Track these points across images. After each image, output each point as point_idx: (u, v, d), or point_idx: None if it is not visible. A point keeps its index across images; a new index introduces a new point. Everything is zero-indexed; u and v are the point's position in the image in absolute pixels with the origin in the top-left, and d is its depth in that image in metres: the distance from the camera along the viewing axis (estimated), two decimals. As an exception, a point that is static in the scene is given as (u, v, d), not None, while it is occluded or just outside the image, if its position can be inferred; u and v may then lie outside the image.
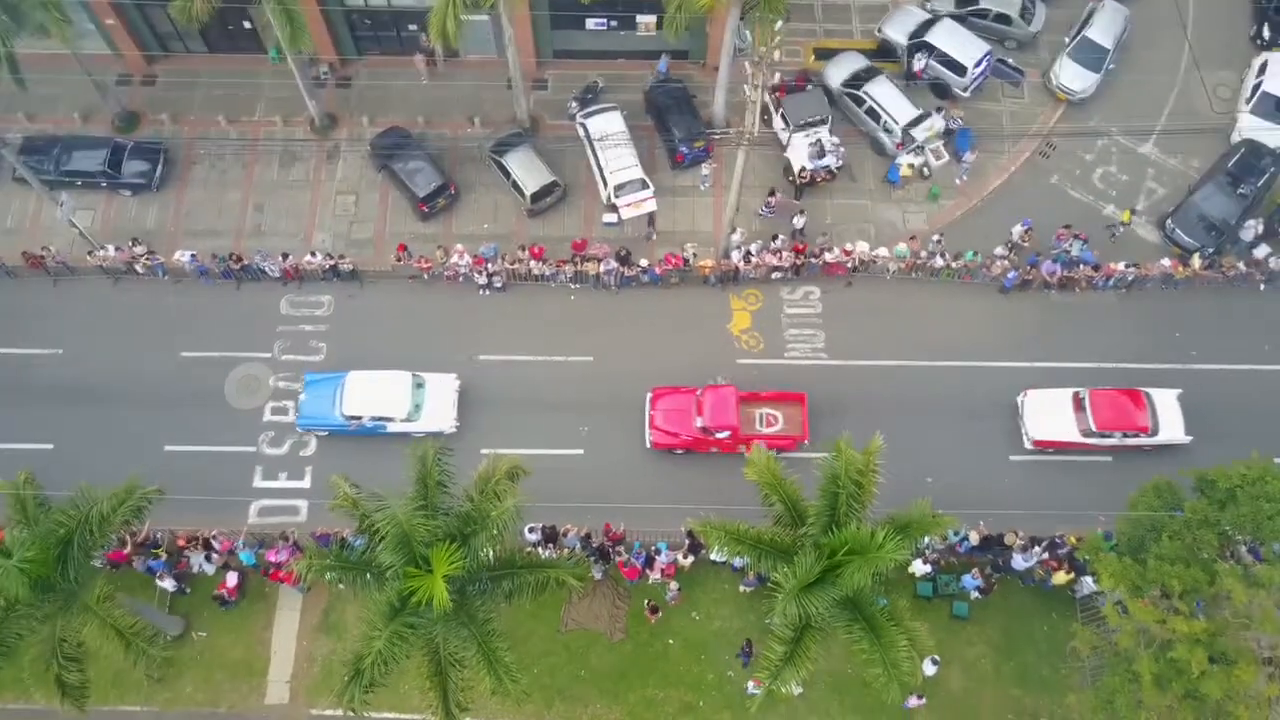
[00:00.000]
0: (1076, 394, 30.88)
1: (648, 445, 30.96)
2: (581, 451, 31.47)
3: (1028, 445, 30.96)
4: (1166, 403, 30.78)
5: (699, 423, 30.30)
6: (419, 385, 31.08)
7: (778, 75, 26.40)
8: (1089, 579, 28.03)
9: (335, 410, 30.62)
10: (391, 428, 30.79)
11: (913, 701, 27.44)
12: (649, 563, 29.12)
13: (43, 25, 30.95)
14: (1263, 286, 33.32)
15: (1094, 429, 30.15)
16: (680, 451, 31.12)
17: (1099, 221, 34.48)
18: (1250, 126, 34.83)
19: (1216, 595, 22.29)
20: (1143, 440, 30.24)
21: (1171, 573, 22.05)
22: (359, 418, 30.61)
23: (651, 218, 34.12)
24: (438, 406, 30.96)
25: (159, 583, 29.01)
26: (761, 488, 23.07)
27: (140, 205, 35.28)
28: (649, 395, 31.30)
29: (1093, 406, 30.36)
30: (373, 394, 30.66)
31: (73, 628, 23.02)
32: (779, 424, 30.88)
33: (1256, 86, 35.41)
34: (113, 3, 34.52)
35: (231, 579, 29.11)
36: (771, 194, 34.05)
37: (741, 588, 29.56)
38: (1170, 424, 30.39)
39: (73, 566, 22.83)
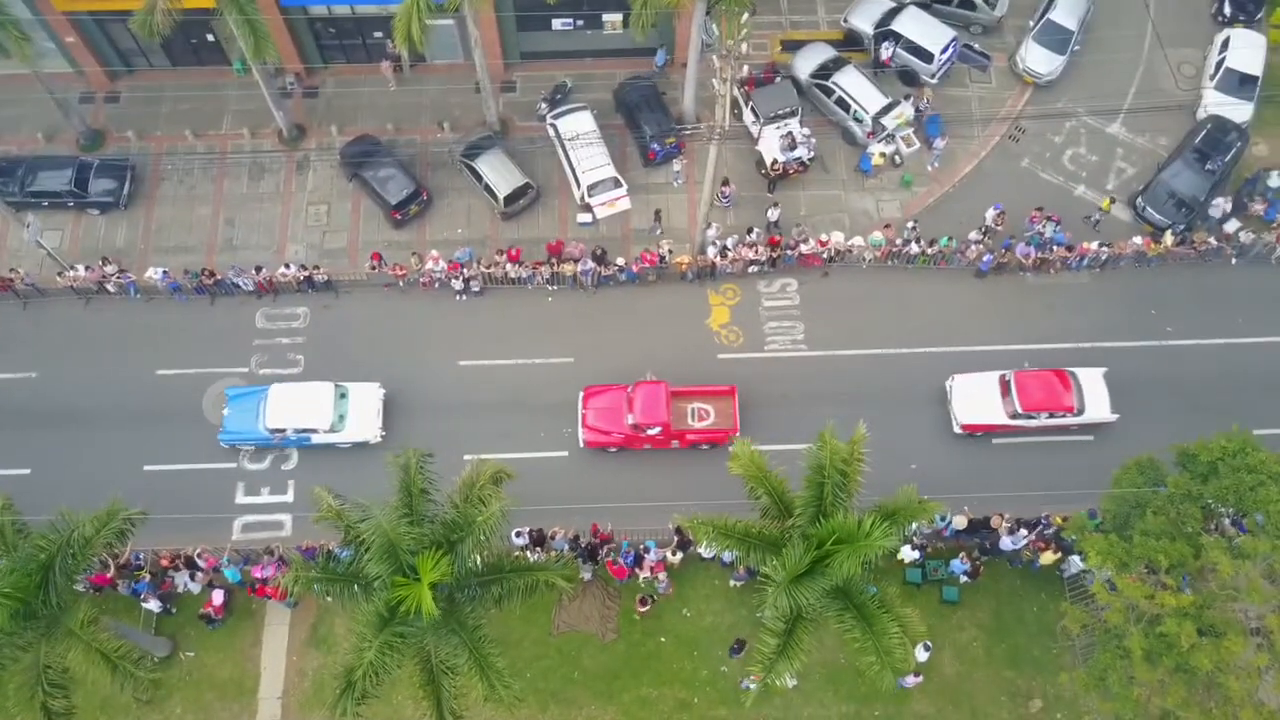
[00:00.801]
0: (1003, 377, 30.94)
1: (580, 445, 30.89)
2: (566, 453, 31.37)
3: (956, 430, 31.05)
4: (1093, 381, 30.90)
5: (630, 420, 30.23)
6: (342, 395, 30.87)
7: (746, 69, 26.29)
8: (1076, 558, 28.20)
9: (259, 424, 30.38)
10: (316, 439, 30.61)
11: (910, 680, 27.47)
12: (638, 561, 29.05)
13: (1, 45, 30.55)
14: (1234, 260, 33.59)
15: (1020, 411, 30.24)
16: (613, 450, 31.13)
17: (1071, 203, 34.69)
18: (1215, 102, 35.13)
19: (1203, 568, 22.42)
20: (1069, 420, 30.31)
21: (1157, 548, 22.17)
22: (283, 430, 30.38)
23: (657, 214, 34.12)
24: (362, 416, 30.72)
25: (144, 604, 28.68)
26: (747, 481, 23.07)
27: (109, 224, 34.91)
28: (581, 395, 31.20)
29: (1018, 388, 30.42)
30: (296, 406, 30.43)
31: (57, 654, 22.66)
32: (711, 418, 30.83)
33: (1220, 62, 35.70)
34: (72, 19, 34.12)
35: (217, 597, 28.81)
36: (725, 183, 34.02)
37: (732, 582, 29.55)
38: (1096, 403, 30.49)
39: (54, 592, 22.48)
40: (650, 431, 30.27)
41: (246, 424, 30.57)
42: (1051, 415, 30.31)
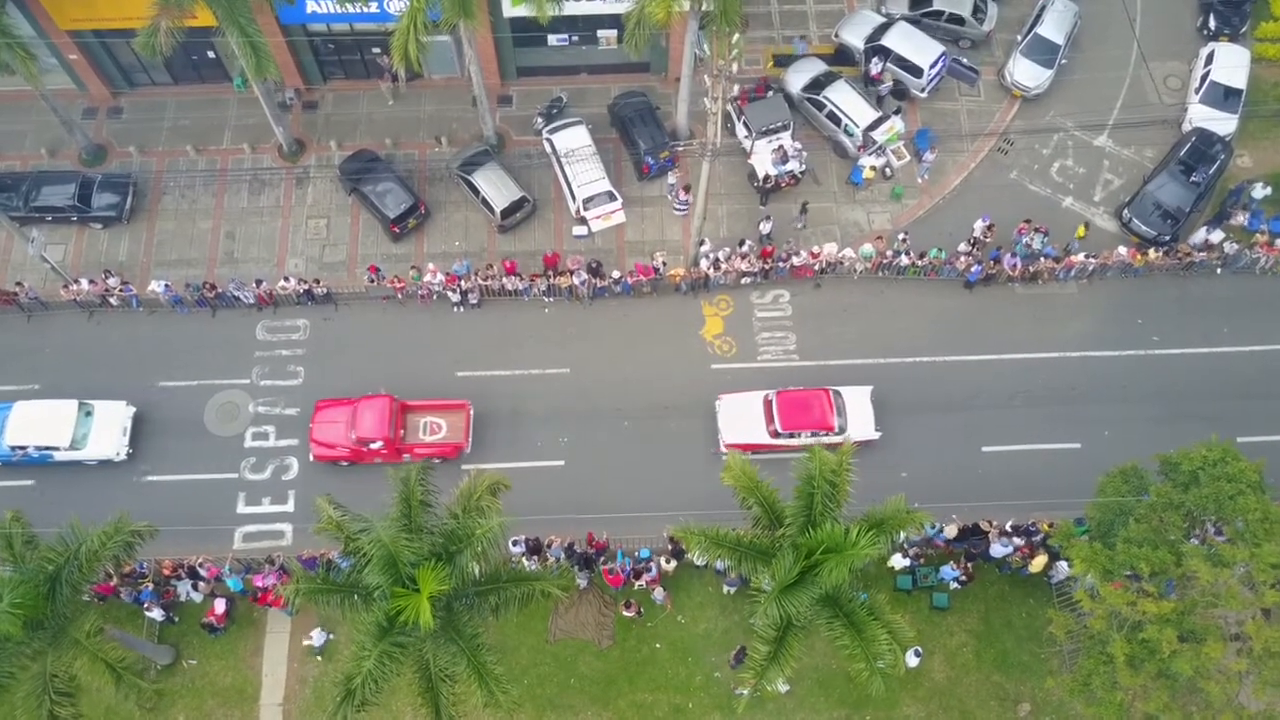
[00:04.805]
0: (766, 396, 31.30)
1: (310, 459, 31.29)
2: (562, 463, 31.86)
3: (721, 450, 31.08)
4: (857, 400, 31.31)
5: (353, 434, 30.56)
6: (87, 414, 31.23)
7: (736, 87, 26.85)
8: (1064, 564, 28.64)
9: (1, 441, 30.77)
10: (58, 456, 30.95)
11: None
12: (636, 576, 29.50)
13: (5, 63, 31.07)
14: (1219, 270, 34.13)
15: (781, 430, 30.64)
16: (345, 464, 31.34)
17: (1059, 214, 35.26)
18: (1200, 116, 35.72)
19: (1185, 575, 22.92)
20: (832, 439, 30.03)
21: (1139, 555, 22.67)
22: (24, 447, 30.73)
23: (804, 206, 34.37)
24: (106, 434, 31.03)
25: (147, 613, 29.13)
26: (739, 492, 23.55)
27: (111, 238, 35.40)
28: (313, 408, 31.62)
29: (778, 408, 30.81)
30: (36, 423, 30.81)
31: (63, 662, 23.15)
32: (442, 432, 31.17)
33: (1204, 76, 36.29)
34: (75, 38, 34.65)
35: (219, 606, 29.26)
36: (686, 189, 34.55)
37: (725, 589, 30.03)
38: (860, 421, 30.85)
39: (61, 602, 23.00)
40: (373, 446, 30.53)
41: None
42: (814, 434, 30.52)
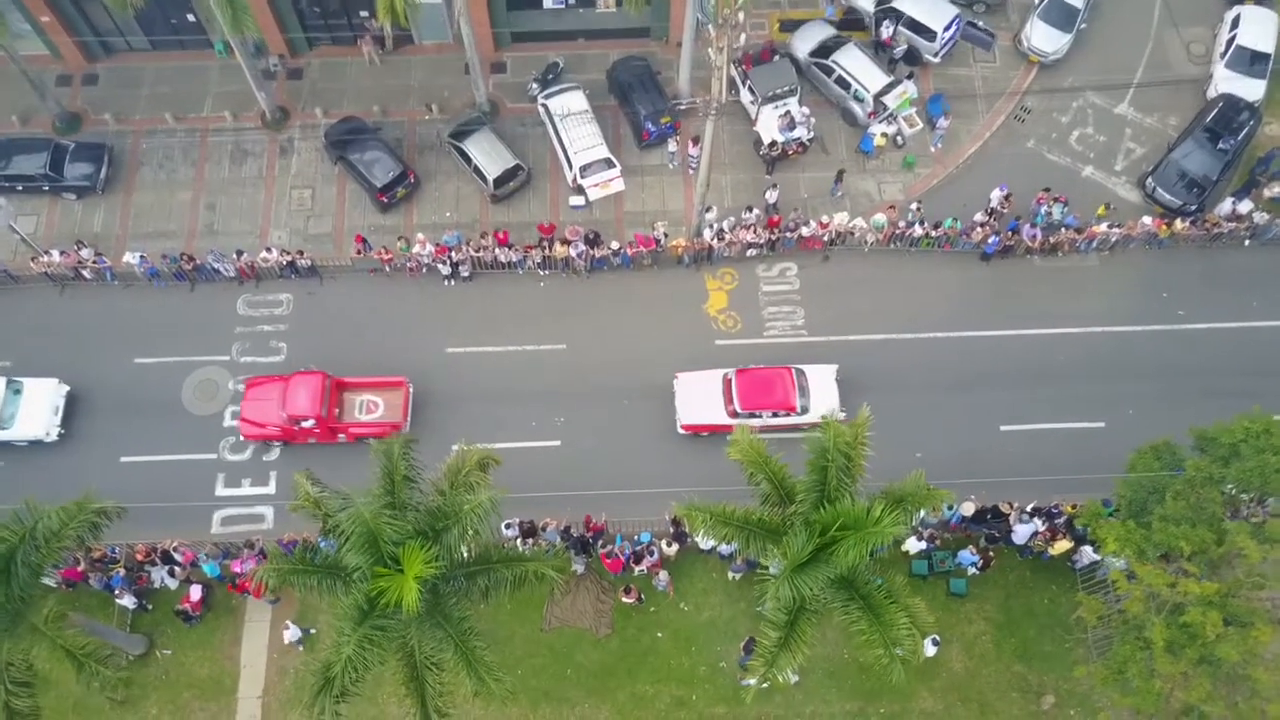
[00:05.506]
0: (725, 375, 29.84)
1: (240, 439, 29.87)
2: (559, 443, 30.29)
3: (679, 431, 29.81)
4: (821, 379, 29.84)
5: (283, 412, 29.06)
6: (16, 391, 29.80)
7: (743, 37, 25.26)
8: (1089, 548, 27.15)
9: None
10: None
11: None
12: (637, 560, 27.94)
13: (-26, 27, 29.52)
14: (1247, 242, 32.58)
15: (740, 410, 29.16)
16: (276, 443, 30.09)
17: (1079, 184, 33.69)
18: (1226, 80, 34.16)
19: (1226, 555, 21.35)
20: (794, 420, 29.01)
21: (1178, 533, 21.11)
22: None
23: (840, 174, 32.82)
24: (35, 412, 29.62)
25: (118, 600, 27.51)
26: (746, 467, 22.00)
27: (86, 209, 33.79)
28: (243, 386, 30.22)
29: (738, 388, 29.35)
30: None
31: (20, 650, 21.57)
32: (379, 410, 29.77)
33: (1230, 40, 34.72)
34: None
35: (195, 593, 27.67)
36: (695, 141, 32.54)
37: (730, 574, 28.45)
38: (822, 401, 29.25)
39: (18, 586, 21.37)
40: (304, 424, 29.10)
41: None
42: (775, 415, 29.09)
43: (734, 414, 29.24)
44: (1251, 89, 33.90)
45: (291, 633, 27.41)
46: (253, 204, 33.95)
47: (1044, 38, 35.19)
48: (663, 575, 27.98)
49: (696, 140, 31.31)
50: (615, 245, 31.81)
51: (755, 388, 29.42)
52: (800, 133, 33.41)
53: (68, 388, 30.49)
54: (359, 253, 31.81)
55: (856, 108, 34.15)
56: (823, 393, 29.64)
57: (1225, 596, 20.50)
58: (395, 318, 32.01)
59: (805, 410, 29.23)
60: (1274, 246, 32.56)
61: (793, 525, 20.93)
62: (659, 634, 28.17)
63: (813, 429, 28.91)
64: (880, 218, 32.30)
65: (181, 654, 28.01)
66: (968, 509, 27.84)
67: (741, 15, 24.99)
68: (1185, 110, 34.61)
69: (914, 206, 32.59)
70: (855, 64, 34.03)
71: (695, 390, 29.93)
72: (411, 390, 30.26)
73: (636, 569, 28.10)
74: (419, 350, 31.36)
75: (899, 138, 34.36)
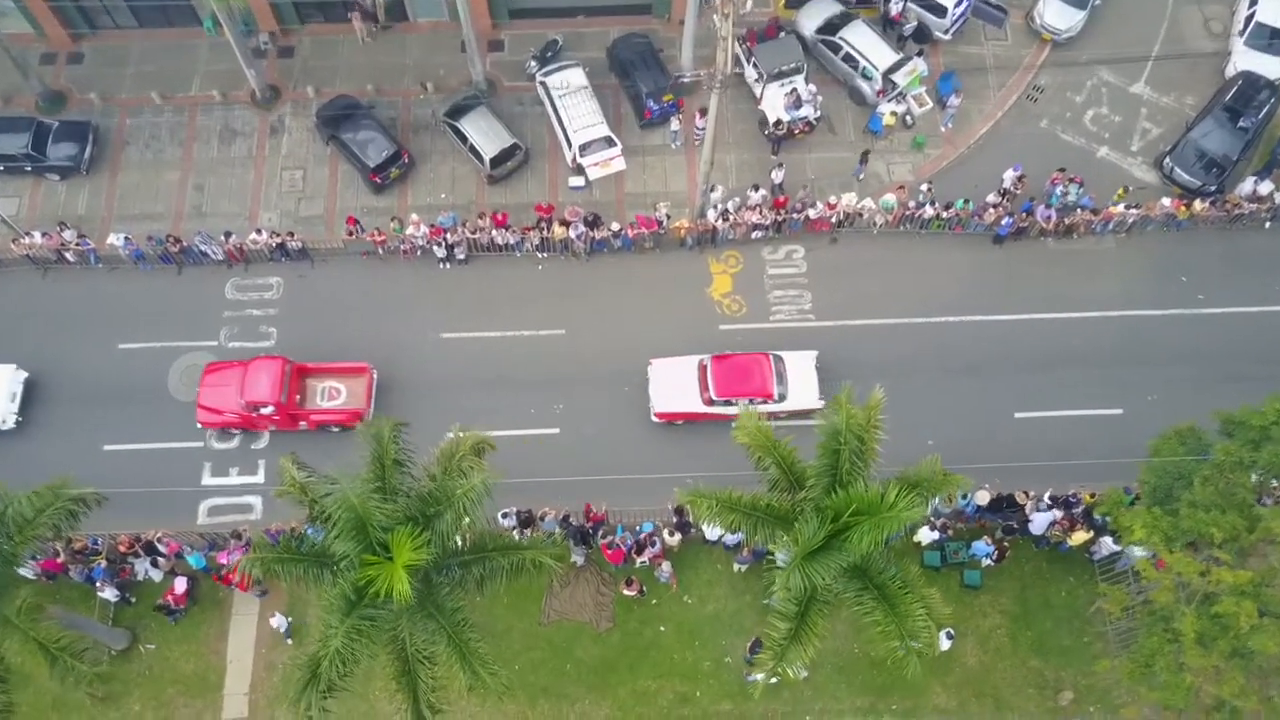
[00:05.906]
0: (701, 362, 28.86)
1: (198, 426, 28.90)
2: (558, 430, 29.29)
3: (653, 419, 28.88)
4: (800, 366, 28.84)
5: (241, 399, 28.12)
6: None
7: (749, 2, 24.24)
8: (1108, 539, 26.12)
9: None
10: None
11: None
12: (639, 550, 26.92)
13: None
14: (1268, 224, 31.54)
15: (715, 398, 28.20)
16: (235, 431, 29.30)
17: (1093, 165, 32.64)
18: (1245, 58, 33.12)
19: (1257, 543, 20.32)
20: (772, 407, 28.08)
21: (1208, 520, 20.08)
22: None
23: (865, 155, 31.65)
24: None
25: (99, 592, 26.49)
26: (753, 451, 20.98)
27: (70, 190, 32.80)
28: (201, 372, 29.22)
29: (713, 374, 28.36)
30: None
31: (-9, 644, 20.57)
32: (341, 397, 28.84)
33: (1249, 17, 33.68)
34: (29, -27, 32.06)
35: (179, 585, 26.63)
36: (702, 113, 31.38)
37: (736, 566, 27.42)
38: (801, 388, 28.41)
39: (-13, 575, 20.42)
40: (263, 411, 28.13)
41: None
42: (751, 402, 28.02)
43: (709, 402, 28.30)
44: (1272, 66, 32.81)
45: (278, 620, 26.40)
46: (242, 185, 32.94)
47: (1057, 14, 34.16)
48: (665, 567, 26.95)
49: (704, 112, 30.25)
50: (616, 227, 30.75)
51: (731, 375, 28.42)
52: (806, 111, 32.39)
53: (26, 374, 29.41)
54: (351, 235, 30.78)
55: (864, 86, 33.12)
56: (802, 380, 28.65)
57: (1259, 586, 19.46)
58: (388, 301, 31.01)
59: (783, 398, 28.31)
60: (1296, 229, 31.56)
61: (803, 511, 19.97)
62: (661, 628, 27.15)
63: (789, 417, 28.17)
64: (890, 199, 31.28)
65: (166, 648, 27.02)
66: (982, 498, 26.81)
67: (747, -16, 23.99)
68: (1202, 89, 33.57)
69: (924, 187, 31.56)
70: (863, 41, 32.99)
71: (670, 378, 28.93)
72: (375, 376, 29.29)
73: (638, 560, 27.08)
74: (413, 335, 30.40)
75: (908, 117, 33.34)
